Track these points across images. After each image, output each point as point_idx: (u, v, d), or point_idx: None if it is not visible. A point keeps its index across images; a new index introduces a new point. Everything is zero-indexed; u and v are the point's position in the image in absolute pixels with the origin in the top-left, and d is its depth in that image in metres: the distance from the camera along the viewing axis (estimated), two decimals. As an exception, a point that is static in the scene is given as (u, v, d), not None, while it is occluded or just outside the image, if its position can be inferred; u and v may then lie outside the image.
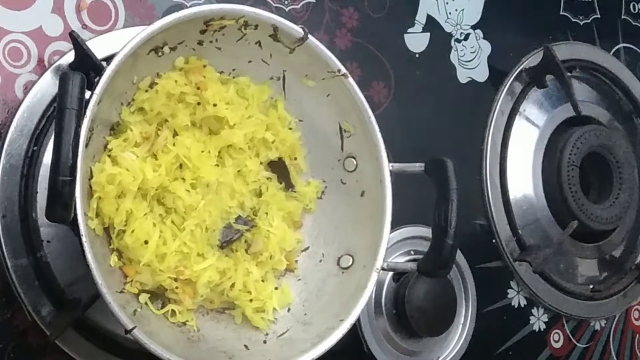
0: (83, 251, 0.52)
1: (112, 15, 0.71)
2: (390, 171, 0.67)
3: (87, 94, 0.53)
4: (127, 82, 0.59)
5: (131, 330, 0.53)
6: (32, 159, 0.65)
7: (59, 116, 0.51)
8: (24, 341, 0.64)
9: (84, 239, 0.52)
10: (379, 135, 0.67)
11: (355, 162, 0.69)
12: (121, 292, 0.59)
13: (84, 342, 0.65)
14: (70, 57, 0.66)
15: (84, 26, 0.70)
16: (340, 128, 0.69)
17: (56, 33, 0.68)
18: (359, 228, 0.68)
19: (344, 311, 0.63)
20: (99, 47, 0.66)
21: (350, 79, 0.66)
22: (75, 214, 0.51)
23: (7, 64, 0.66)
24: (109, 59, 0.56)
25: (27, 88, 0.66)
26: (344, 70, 0.66)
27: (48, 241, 0.64)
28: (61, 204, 0.50)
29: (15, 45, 0.66)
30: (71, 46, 0.66)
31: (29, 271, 0.63)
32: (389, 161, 0.67)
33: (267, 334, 0.65)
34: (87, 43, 0.63)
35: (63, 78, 0.51)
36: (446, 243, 0.62)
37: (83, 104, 0.52)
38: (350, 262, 0.68)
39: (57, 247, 0.64)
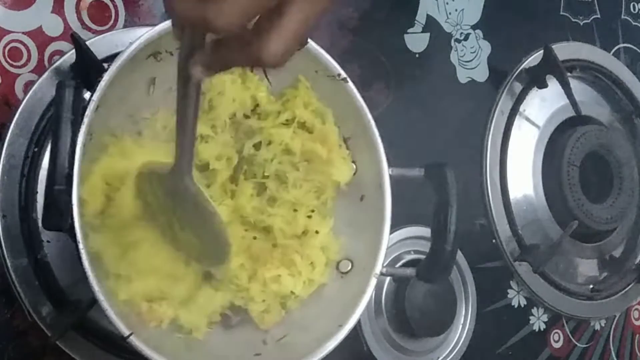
0: (80, 259, 0.52)
1: (112, 16, 0.71)
2: (390, 175, 0.67)
3: (87, 95, 0.53)
4: (125, 87, 0.59)
5: (128, 337, 0.53)
6: (32, 159, 0.65)
7: (54, 124, 0.51)
8: (24, 341, 0.64)
9: (80, 246, 0.52)
10: (379, 139, 0.67)
11: (354, 166, 0.69)
12: None
13: (84, 342, 0.64)
14: (70, 57, 0.66)
15: (84, 26, 0.70)
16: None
17: (56, 33, 0.68)
18: (358, 233, 0.68)
19: (343, 316, 0.63)
20: (99, 47, 0.66)
21: (350, 83, 0.66)
22: (72, 222, 0.51)
23: (7, 64, 0.66)
24: (109, 59, 0.56)
25: (27, 88, 0.66)
26: (344, 74, 0.66)
27: (48, 241, 0.64)
28: (57, 212, 0.50)
29: (15, 45, 0.66)
30: (71, 46, 0.66)
31: (29, 271, 0.63)
32: (389, 164, 0.67)
33: (265, 338, 0.65)
34: (87, 43, 0.63)
35: (59, 87, 0.51)
36: (445, 249, 0.63)
37: (79, 112, 0.52)
38: (349, 267, 0.68)
39: (57, 247, 0.64)
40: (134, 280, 0.59)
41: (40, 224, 0.64)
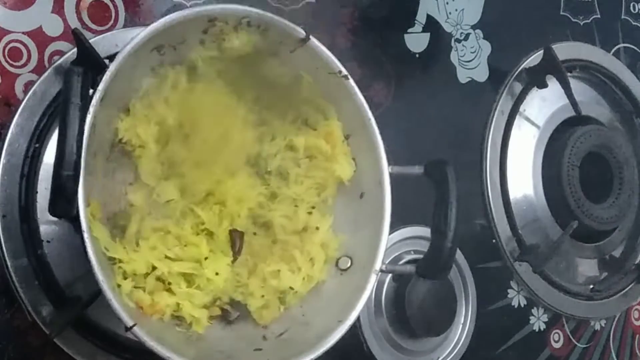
0: (84, 247, 0.52)
1: (112, 16, 0.71)
2: (390, 173, 0.67)
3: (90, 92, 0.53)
4: (128, 81, 0.59)
5: (131, 327, 0.53)
6: (32, 158, 0.65)
7: (63, 110, 0.51)
8: (24, 341, 0.64)
9: (85, 235, 0.52)
10: (378, 137, 0.67)
11: (354, 164, 0.69)
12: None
13: (84, 341, 0.65)
14: (70, 57, 0.66)
15: (84, 26, 0.70)
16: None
17: (56, 33, 0.68)
18: (358, 230, 0.68)
19: (343, 312, 0.63)
20: (99, 47, 0.66)
21: (351, 81, 0.66)
22: (78, 210, 0.51)
23: (7, 64, 0.66)
24: (109, 59, 0.56)
25: (27, 88, 0.66)
26: (344, 71, 0.66)
27: (48, 241, 0.64)
28: (65, 198, 0.50)
29: (15, 45, 0.66)
30: (71, 46, 0.66)
31: (29, 271, 0.63)
32: (389, 163, 0.67)
33: (265, 334, 0.65)
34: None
35: (68, 73, 0.51)
36: (445, 245, 0.62)
37: (87, 99, 0.52)
38: (349, 264, 0.68)
39: (57, 247, 0.64)
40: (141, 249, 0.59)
41: (40, 222, 0.64)
